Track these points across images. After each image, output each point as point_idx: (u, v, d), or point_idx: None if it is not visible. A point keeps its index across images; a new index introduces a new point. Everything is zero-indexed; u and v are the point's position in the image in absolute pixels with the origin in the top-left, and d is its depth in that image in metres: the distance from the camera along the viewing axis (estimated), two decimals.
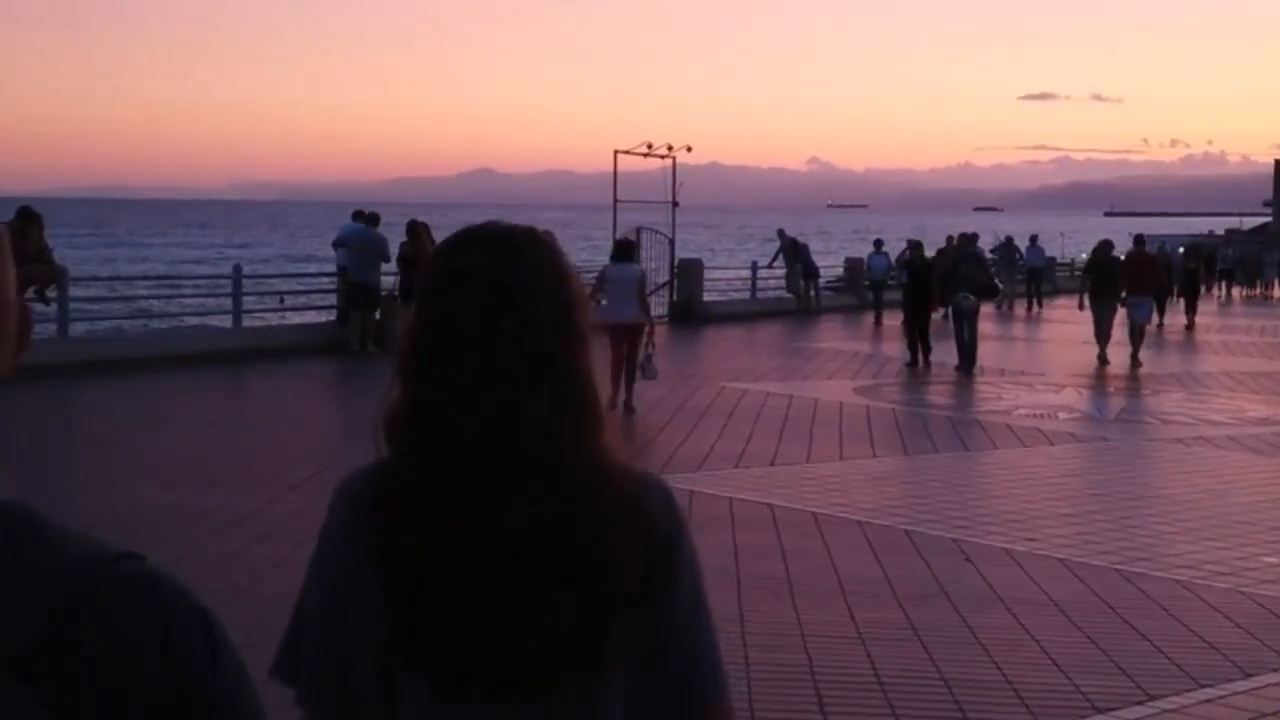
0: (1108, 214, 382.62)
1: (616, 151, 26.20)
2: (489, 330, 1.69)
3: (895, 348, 22.17)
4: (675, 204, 27.22)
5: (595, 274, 14.80)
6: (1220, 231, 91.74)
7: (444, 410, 1.68)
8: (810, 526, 9.23)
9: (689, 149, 27.21)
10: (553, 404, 1.68)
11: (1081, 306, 21.77)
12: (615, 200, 26.20)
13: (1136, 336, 20.78)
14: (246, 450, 11.98)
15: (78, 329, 18.44)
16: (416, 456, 1.69)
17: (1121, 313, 20.97)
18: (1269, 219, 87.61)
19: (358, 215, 20.74)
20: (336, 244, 20.92)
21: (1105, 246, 21.24)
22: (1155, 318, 24.65)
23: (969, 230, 24.73)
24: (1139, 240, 22.55)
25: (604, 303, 14.73)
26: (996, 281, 23.91)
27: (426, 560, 1.64)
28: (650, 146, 26.69)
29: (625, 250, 15.26)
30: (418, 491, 1.67)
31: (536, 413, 1.67)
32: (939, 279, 20.97)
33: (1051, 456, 12.61)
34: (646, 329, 14.53)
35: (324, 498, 1.81)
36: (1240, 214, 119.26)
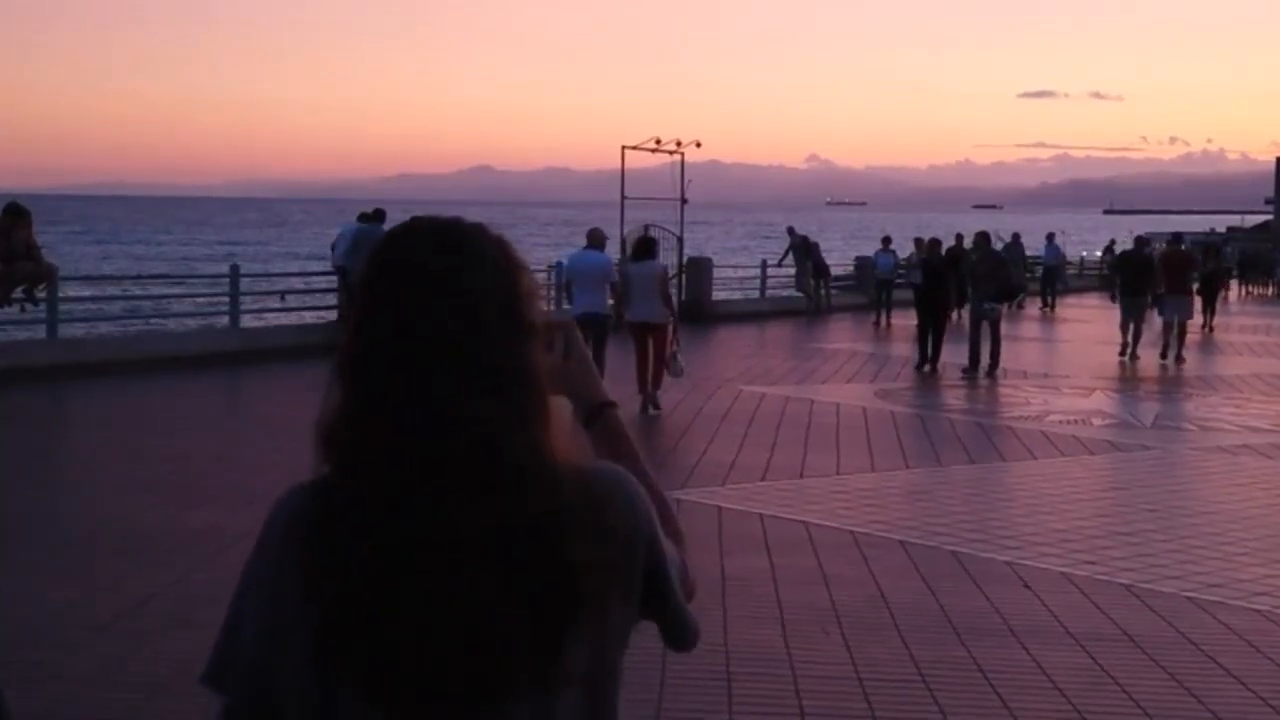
0: (1107, 211, 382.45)
1: (624, 147, 25.56)
2: (435, 327, 1.59)
3: (910, 349, 21.52)
4: (684, 201, 26.58)
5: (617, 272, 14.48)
6: (1222, 229, 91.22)
7: (386, 412, 1.58)
8: (850, 548, 8.57)
9: (698, 144, 26.60)
10: (500, 402, 1.59)
11: (1114, 300, 21.62)
12: (623, 197, 25.55)
13: (1178, 334, 20.57)
14: (244, 460, 11.32)
15: (68, 330, 17.77)
16: (356, 465, 1.60)
17: (1148, 312, 20.63)
18: (1270, 217, 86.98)
19: (363, 217, 20.06)
20: (336, 244, 20.27)
21: (1138, 244, 20.76)
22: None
23: (979, 229, 23.93)
24: (1176, 238, 22.06)
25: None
26: (1021, 282, 23.20)
27: (364, 578, 1.56)
28: (659, 142, 26.06)
29: (646, 248, 14.77)
30: (356, 505, 1.58)
31: (483, 412, 1.58)
32: (960, 280, 20.29)
33: (1094, 467, 11.95)
34: (672, 326, 14.20)
35: None
36: (1242, 212, 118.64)
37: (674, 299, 15.39)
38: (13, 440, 12.32)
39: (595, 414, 1.87)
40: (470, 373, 1.59)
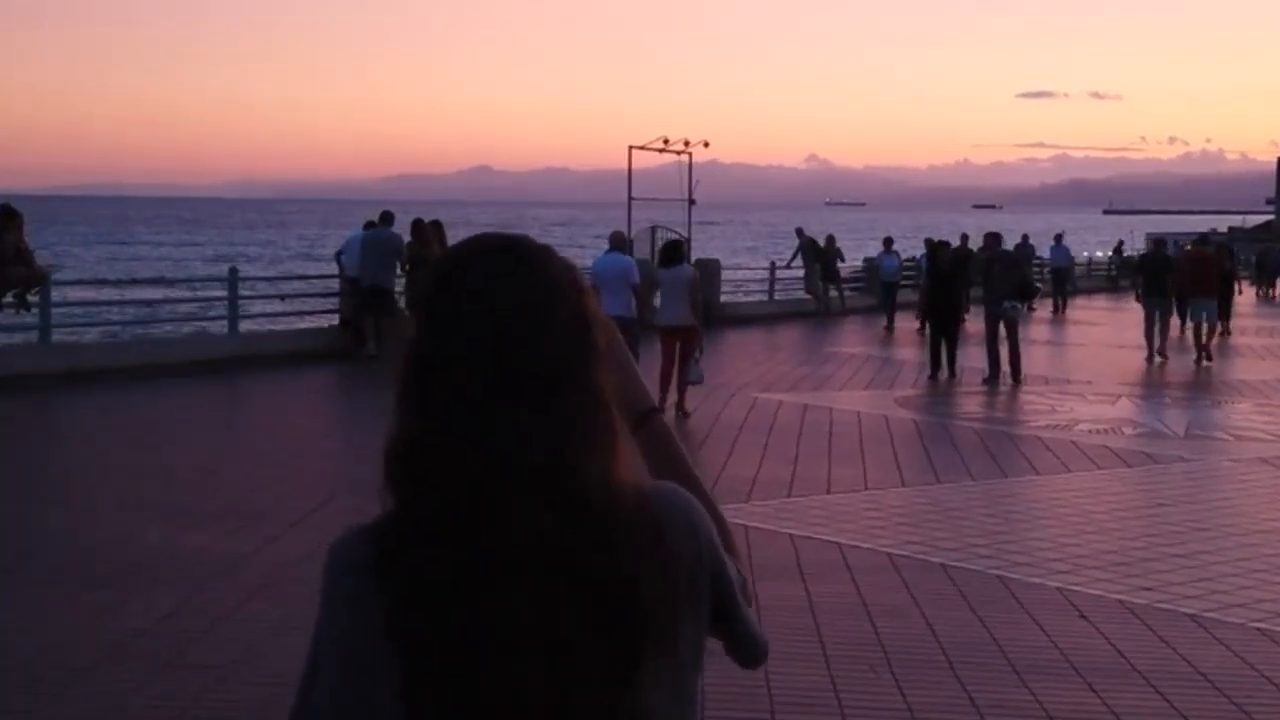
0: (1106, 211, 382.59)
1: (631, 148, 25.06)
2: (497, 348, 1.53)
3: (921, 354, 20.99)
4: (691, 201, 26.09)
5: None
6: (1223, 229, 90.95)
7: (449, 434, 1.52)
8: (889, 572, 8.04)
9: (706, 144, 26.12)
10: (566, 425, 1.53)
11: (1139, 299, 21.54)
12: (630, 198, 25.05)
13: (1202, 336, 20.32)
14: (242, 475, 10.79)
15: (60, 335, 17.24)
16: (418, 496, 1.53)
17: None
18: (1271, 217, 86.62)
19: (369, 226, 19.48)
20: (344, 252, 19.76)
21: (1158, 245, 20.42)
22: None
23: (987, 229, 23.32)
24: (1203, 239, 21.71)
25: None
26: (1036, 282, 22.63)
27: (438, 607, 1.49)
28: (666, 142, 25.56)
29: (675, 252, 14.53)
30: (422, 534, 1.51)
31: (547, 435, 1.52)
32: (968, 283, 19.77)
33: (1132, 481, 11.41)
34: (698, 332, 14.17)
35: (330, 536, 1.61)
36: (1243, 212, 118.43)
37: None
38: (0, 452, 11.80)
39: (641, 420, 1.82)
40: (535, 394, 1.54)
